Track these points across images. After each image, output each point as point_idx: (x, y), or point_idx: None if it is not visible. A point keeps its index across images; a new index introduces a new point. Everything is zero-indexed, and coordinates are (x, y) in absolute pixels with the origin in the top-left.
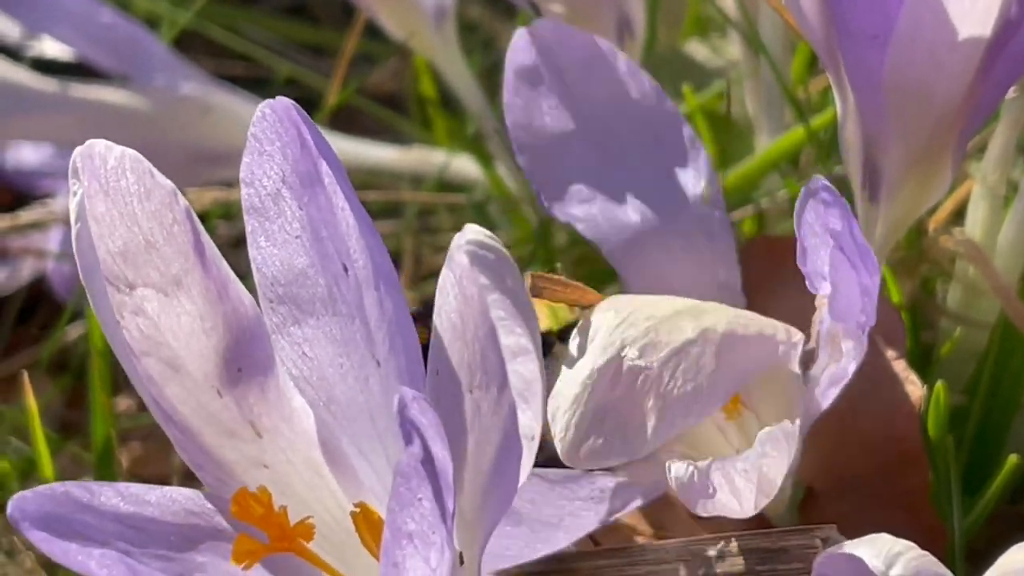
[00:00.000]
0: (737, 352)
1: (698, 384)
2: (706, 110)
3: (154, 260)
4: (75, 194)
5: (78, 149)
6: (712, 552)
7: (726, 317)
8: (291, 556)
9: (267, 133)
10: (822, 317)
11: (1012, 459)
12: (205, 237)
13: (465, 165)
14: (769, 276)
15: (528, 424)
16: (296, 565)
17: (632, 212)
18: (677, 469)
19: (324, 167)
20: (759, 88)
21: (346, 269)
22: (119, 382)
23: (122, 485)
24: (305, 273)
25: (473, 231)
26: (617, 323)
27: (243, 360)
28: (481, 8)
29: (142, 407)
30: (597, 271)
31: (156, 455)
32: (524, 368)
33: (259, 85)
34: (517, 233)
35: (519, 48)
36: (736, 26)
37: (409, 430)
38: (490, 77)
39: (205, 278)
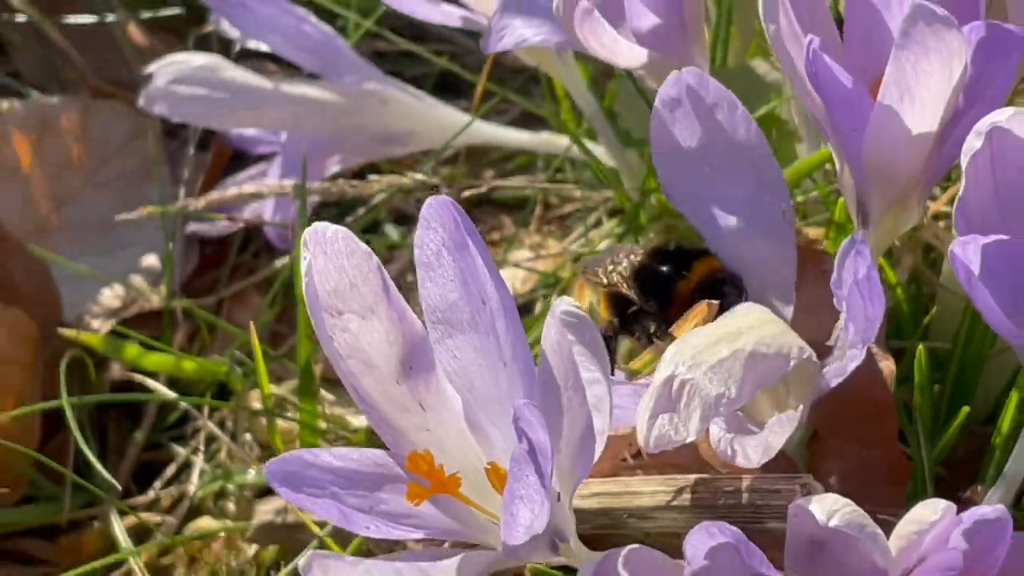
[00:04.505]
0: (760, 365)
1: (728, 388)
2: (767, 117)
3: (355, 296)
4: (305, 259)
5: (308, 229)
6: (728, 487)
7: (755, 339)
8: (447, 496)
9: (432, 215)
10: (841, 329)
11: (965, 410)
12: (389, 281)
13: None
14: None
15: (600, 426)
16: (449, 503)
17: (732, 218)
18: (717, 431)
19: (470, 240)
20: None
21: (484, 303)
22: None
23: (336, 449)
24: (456, 304)
25: (566, 303)
26: (674, 352)
27: (414, 361)
28: None
29: None
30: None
31: None
32: (597, 390)
33: (415, 77)
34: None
35: (668, 84)
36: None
37: (520, 431)
38: (596, 84)
39: (389, 308)
